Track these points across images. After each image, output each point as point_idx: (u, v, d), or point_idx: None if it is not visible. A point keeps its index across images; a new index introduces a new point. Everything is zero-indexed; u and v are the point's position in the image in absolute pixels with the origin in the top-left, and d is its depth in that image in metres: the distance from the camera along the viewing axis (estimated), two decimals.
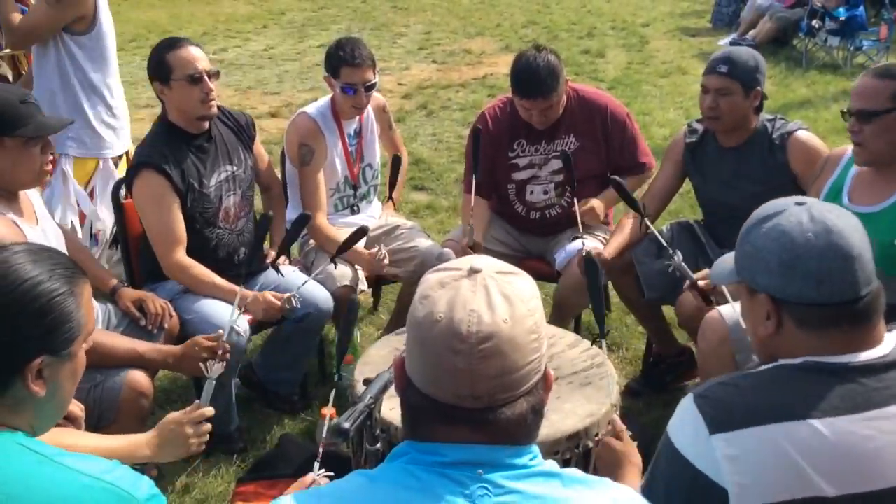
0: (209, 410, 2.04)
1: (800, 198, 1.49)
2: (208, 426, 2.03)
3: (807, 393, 1.36)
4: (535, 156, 3.37)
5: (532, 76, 3.12)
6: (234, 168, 3.10)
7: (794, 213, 1.44)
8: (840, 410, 1.34)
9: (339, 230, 3.27)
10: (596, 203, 3.32)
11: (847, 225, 1.42)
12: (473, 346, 1.08)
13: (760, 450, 1.33)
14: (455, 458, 1.11)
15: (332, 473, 1.65)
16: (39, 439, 1.39)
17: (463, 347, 1.08)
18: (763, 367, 1.45)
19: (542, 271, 3.51)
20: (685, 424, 1.40)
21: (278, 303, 2.86)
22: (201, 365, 2.19)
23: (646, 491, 1.46)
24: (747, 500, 1.34)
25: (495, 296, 1.11)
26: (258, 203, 3.49)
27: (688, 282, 2.64)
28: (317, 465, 1.70)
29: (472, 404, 1.10)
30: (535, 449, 1.16)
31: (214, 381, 2.15)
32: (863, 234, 1.44)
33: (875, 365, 1.39)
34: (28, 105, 2.38)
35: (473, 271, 1.14)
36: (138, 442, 1.96)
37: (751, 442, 1.34)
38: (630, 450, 1.83)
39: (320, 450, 1.78)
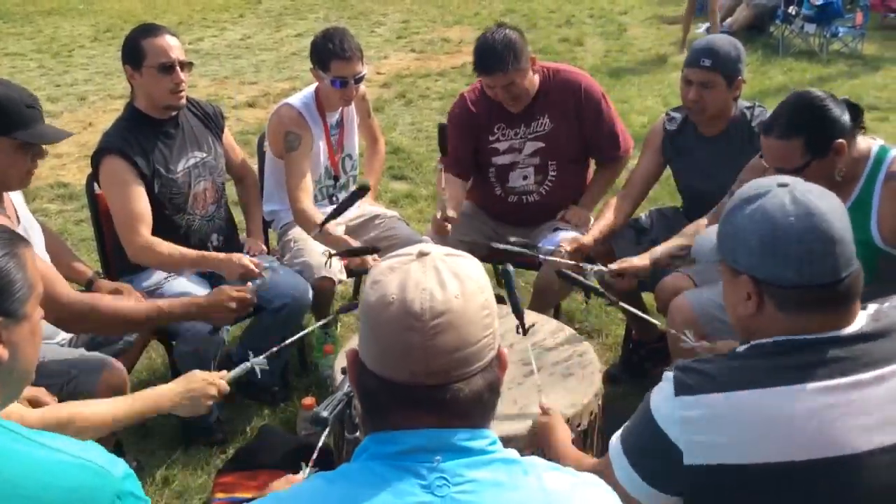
0: (227, 388, 2.14)
1: (782, 178, 1.50)
2: (220, 398, 2.13)
3: (774, 365, 1.40)
4: (514, 140, 3.36)
5: (488, 51, 3.10)
6: (204, 154, 3.09)
7: (776, 195, 1.44)
8: (805, 379, 1.37)
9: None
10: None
11: (829, 207, 1.42)
12: (427, 323, 1.08)
13: (721, 413, 1.39)
14: (412, 445, 1.10)
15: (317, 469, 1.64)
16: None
17: (417, 325, 1.08)
18: (739, 348, 1.49)
19: (522, 260, 3.51)
20: (661, 388, 1.48)
21: (253, 267, 2.81)
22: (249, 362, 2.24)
23: (620, 446, 1.54)
24: (704, 459, 1.38)
25: (446, 274, 1.12)
26: (233, 193, 3.47)
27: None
28: (306, 467, 1.67)
29: (428, 381, 1.09)
30: (493, 434, 1.16)
31: (249, 367, 2.23)
32: (844, 215, 1.45)
33: (844, 337, 1.42)
34: (33, 110, 2.37)
35: (422, 254, 1.15)
36: (161, 394, 2.05)
37: (713, 405, 1.39)
38: (556, 417, 1.98)
39: (314, 455, 1.76)
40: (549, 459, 1.77)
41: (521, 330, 2.29)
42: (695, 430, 1.39)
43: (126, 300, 2.57)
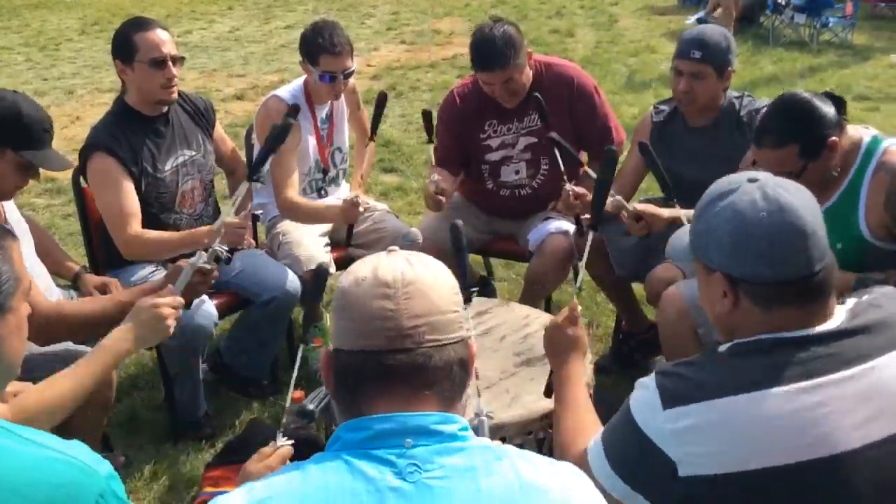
0: (180, 300, 2.06)
1: (753, 174, 1.48)
2: (179, 312, 2.06)
3: (759, 366, 1.38)
4: (507, 135, 3.35)
5: (488, 47, 3.07)
6: (193, 153, 3.06)
7: (747, 190, 1.42)
8: (791, 379, 1.35)
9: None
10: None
11: (800, 201, 1.41)
12: (399, 289, 1.15)
13: (711, 421, 1.36)
14: (382, 430, 1.12)
15: (291, 441, 1.65)
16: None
17: (390, 291, 1.15)
18: (721, 347, 1.47)
19: (513, 251, 3.54)
20: (644, 398, 1.44)
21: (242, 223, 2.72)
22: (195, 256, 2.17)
23: (602, 451, 1.50)
24: (698, 470, 1.36)
25: (413, 259, 1.21)
26: (221, 188, 3.45)
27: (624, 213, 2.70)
28: (279, 435, 1.66)
29: (403, 344, 1.14)
30: (464, 420, 1.17)
31: (191, 271, 2.16)
32: (816, 209, 1.43)
33: (824, 334, 1.40)
34: (46, 134, 2.41)
35: (390, 251, 1.24)
36: (116, 338, 1.99)
37: (701, 414, 1.36)
38: (582, 336, 1.92)
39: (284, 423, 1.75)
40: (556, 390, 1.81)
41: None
42: (687, 441, 1.36)
43: (89, 300, 2.49)
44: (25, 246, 2.56)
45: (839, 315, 1.44)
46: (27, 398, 1.86)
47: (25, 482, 1.16)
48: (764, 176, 1.46)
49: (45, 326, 2.28)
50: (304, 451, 1.93)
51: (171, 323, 2.04)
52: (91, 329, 2.40)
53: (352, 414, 1.16)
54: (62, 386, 1.90)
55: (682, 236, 1.65)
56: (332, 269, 3.33)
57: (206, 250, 2.23)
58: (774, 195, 1.40)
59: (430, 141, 3.16)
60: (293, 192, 3.23)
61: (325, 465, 1.12)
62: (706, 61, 2.86)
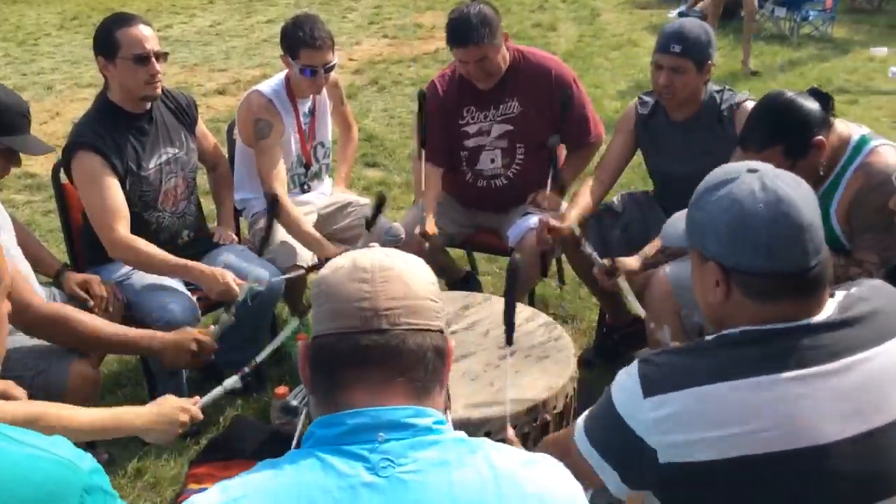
0: (200, 415, 2.11)
1: (752, 164, 1.47)
2: (192, 419, 2.09)
3: (744, 356, 1.38)
4: (483, 122, 3.35)
5: (462, 23, 3.08)
6: (176, 150, 3.04)
7: (746, 181, 1.41)
8: (775, 369, 1.35)
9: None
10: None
11: (799, 194, 1.40)
12: (376, 274, 1.18)
13: (692, 409, 1.35)
14: (355, 425, 1.12)
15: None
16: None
17: (367, 276, 1.18)
18: (707, 337, 1.46)
19: (495, 245, 3.54)
20: (625, 385, 1.44)
21: (236, 289, 2.80)
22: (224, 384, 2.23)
23: (585, 437, 1.50)
24: (678, 457, 1.36)
25: (390, 252, 1.25)
26: (202, 183, 3.43)
27: (596, 268, 2.81)
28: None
29: (379, 324, 1.15)
30: (439, 414, 1.17)
31: (223, 391, 2.22)
32: (814, 203, 1.42)
33: (813, 326, 1.40)
34: (24, 119, 2.41)
35: (369, 247, 1.26)
36: (137, 413, 2.00)
37: (682, 402, 1.36)
38: None
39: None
40: None
41: (506, 339, 2.14)
42: (667, 429, 1.36)
43: (98, 318, 2.46)
44: (9, 240, 2.54)
45: (829, 308, 1.43)
46: (37, 410, 1.87)
47: (8, 480, 1.15)
48: (763, 167, 1.45)
49: (45, 325, 2.27)
50: (287, 446, 1.94)
51: (180, 431, 2.05)
52: (90, 345, 2.41)
53: (327, 405, 1.16)
54: (71, 417, 1.90)
55: (676, 223, 1.64)
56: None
57: (237, 373, 2.29)
58: (773, 186, 1.39)
59: (422, 131, 3.19)
60: (281, 190, 3.21)
61: (299, 462, 1.12)
62: (686, 55, 2.87)
